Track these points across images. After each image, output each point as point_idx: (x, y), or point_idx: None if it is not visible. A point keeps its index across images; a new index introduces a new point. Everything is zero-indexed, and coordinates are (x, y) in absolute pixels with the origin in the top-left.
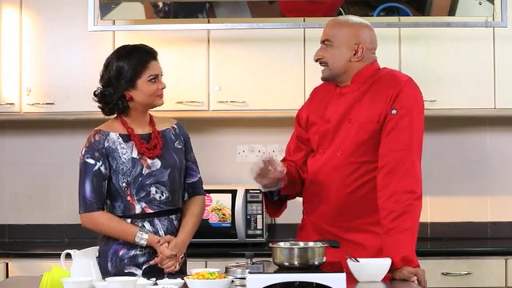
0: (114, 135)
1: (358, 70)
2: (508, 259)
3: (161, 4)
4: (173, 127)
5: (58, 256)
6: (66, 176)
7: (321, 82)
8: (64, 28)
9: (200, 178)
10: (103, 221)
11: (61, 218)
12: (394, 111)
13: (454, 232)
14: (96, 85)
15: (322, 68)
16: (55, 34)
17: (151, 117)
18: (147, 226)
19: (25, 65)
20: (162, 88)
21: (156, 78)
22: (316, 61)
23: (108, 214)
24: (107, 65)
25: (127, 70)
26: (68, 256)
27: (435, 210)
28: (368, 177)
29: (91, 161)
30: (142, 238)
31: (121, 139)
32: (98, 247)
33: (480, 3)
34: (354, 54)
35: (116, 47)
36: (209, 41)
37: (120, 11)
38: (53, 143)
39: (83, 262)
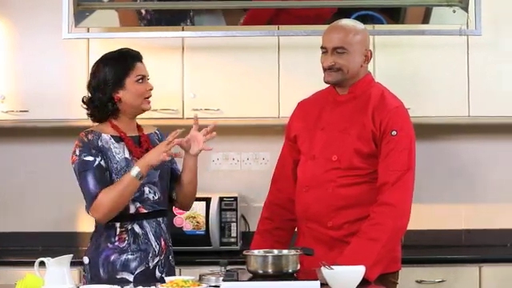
0: (105, 136)
1: (358, 80)
2: (482, 267)
3: (143, 12)
4: (155, 132)
5: (32, 264)
6: (40, 184)
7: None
8: (38, 35)
9: None
10: (103, 200)
11: (35, 225)
12: (393, 132)
13: (428, 240)
14: (70, 92)
15: (330, 73)
16: (29, 41)
17: (137, 123)
18: (136, 228)
19: None
20: (150, 89)
21: (143, 79)
22: (328, 68)
23: (104, 190)
24: (95, 71)
25: (115, 71)
26: (42, 264)
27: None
28: (364, 179)
29: (90, 158)
30: (134, 169)
31: (113, 139)
32: (71, 255)
33: (454, 11)
34: (365, 61)
35: (90, 55)
36: (183, 48)
37: (94, 19)
38: (27, 151)
39: (57, 270)
